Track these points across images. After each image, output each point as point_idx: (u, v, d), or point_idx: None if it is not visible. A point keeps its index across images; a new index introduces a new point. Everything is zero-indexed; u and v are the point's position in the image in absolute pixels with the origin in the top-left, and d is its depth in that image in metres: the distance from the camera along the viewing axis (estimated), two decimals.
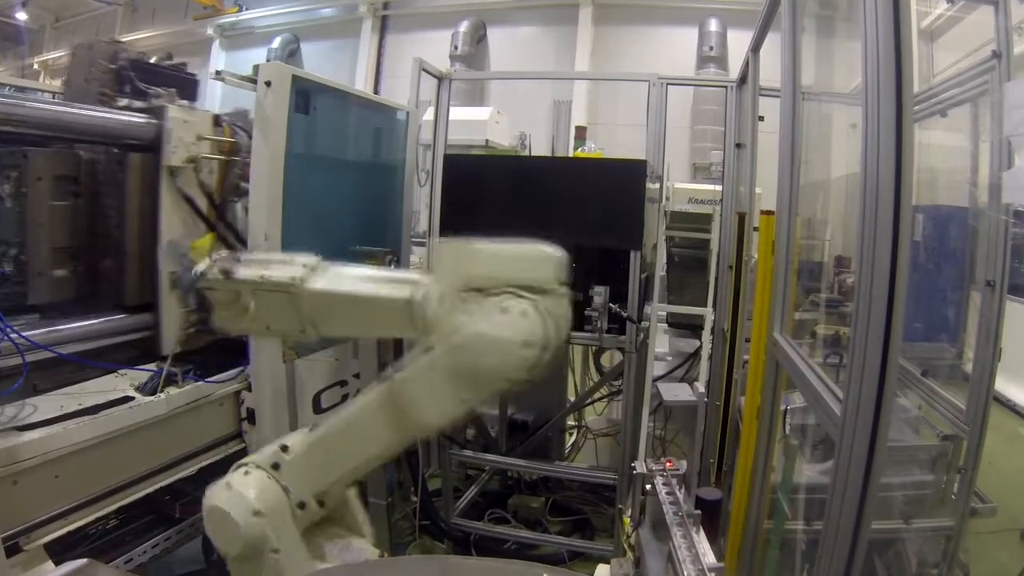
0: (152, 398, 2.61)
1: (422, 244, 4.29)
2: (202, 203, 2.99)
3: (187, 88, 3.26)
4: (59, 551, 2.24)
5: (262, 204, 2.81)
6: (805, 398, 2.27)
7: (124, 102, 2.95)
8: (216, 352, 3.05)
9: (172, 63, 3.59)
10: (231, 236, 3.15)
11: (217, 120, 3.09)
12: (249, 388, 2.99)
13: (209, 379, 2.86)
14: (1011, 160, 2.63)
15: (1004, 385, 3.83)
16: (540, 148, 6.11)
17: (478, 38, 10.64)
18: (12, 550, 2.08)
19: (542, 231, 3.78)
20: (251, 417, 2.99)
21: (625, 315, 3.59)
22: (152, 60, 3.45)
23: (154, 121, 2.84)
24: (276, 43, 11.84)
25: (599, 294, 3.62)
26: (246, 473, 1.73)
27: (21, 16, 13.59)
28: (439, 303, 1.56)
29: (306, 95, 3.03)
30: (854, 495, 1.54)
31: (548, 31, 10.50)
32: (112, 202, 2.83)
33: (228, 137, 3.09)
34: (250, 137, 3.14)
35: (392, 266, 3.21)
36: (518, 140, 5.49)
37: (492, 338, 1.50)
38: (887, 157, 1.42)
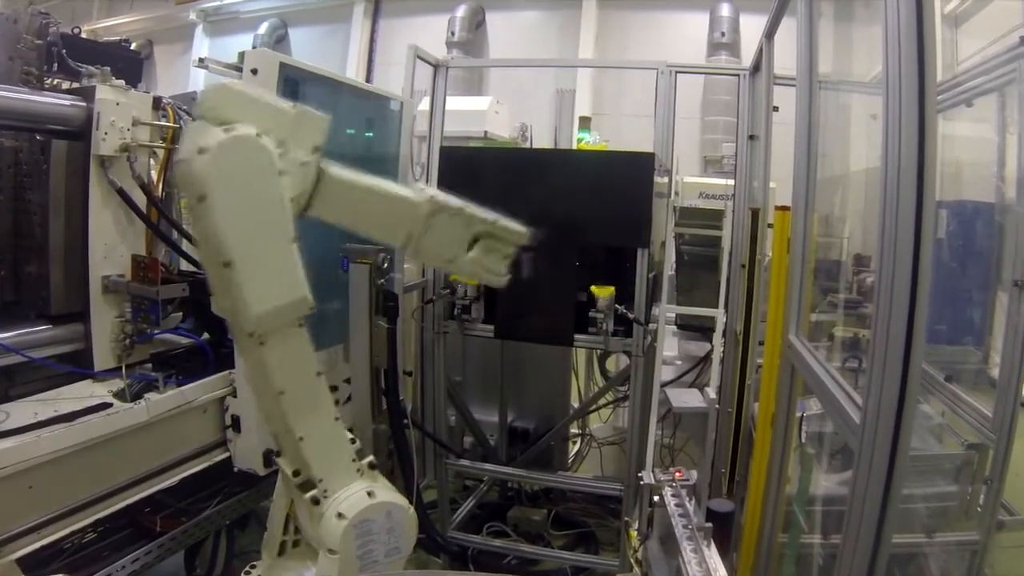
0: (132, 405, 2.60)
1: None
2: (139, 198, 2.88)
3: (129, 68, 3.11)
4: (32, 566, 2.24)
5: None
6: (822, 404, 2.27)
7: (56, 82, 2.83)
8: (198, 356, 3.05)
9: (114, 40, 3.44)
10: (176, 234, 3.11)
11: (158, 103, 2.94)
12: (234, 394, 2.99)
13: (192, 384, 2.85)
14: None
15: None
16: (542, 140, 6.11)
17: (476, 23, 10.63)
18: None
19: (544, 228, 3.80)
20: (236, 424, 2.99)
21: (632, 317, 3.59)
22: (83, 34, 3.23)
23: (82, 104, 2.68)
24: (263, 29, 11.84)
25: (604, 296, 3.63)
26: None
27: None
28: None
29: (294, 84, 3.02)
30: (874, 507, 1.54)
31: (550, 16, 10.50)
32: (35, 197, 2.68)
33: (171, 122, 2.96)
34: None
35: (385, 266, 3.20)
36: (518, 131, 5.49)
37: None
38: (909, 150, 1.42)
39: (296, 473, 2.00)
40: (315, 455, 1.97)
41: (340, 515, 1.97)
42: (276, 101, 1.82)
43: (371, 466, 2.11)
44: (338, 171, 1.93)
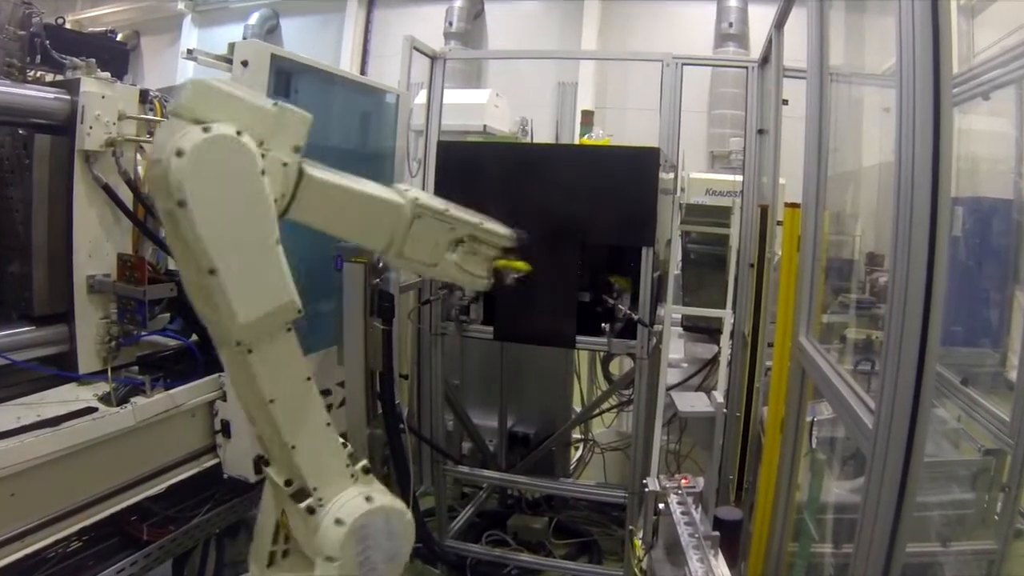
0: (118, 409, 2.60)
1: None
2: (125, 194, 2.87)
3: (115, 60, 3.09)
4: None
5: None
6: (834, 408, 2.27)
7: (39, 75, 2.81)
8: (187, 358, 3.05)
9: (99, 30, 3.43)
10: (163, 232, 3.11)
11: (144, 96, 2.93)
12: (224, 397, 2.99)
13: (180, 388, 2.85)
14: None
15: None
16: (543, 134, 6.10)
17: (475, 14, 10.63)
18: None
19: (545, 225, 3.80)
20: (226, 430, 2.99)
21: (636, 318, 3.60)
22: (67, 25, 3.20)
23: (66, 97, 2.68)
24: (253, 19, 11.82)
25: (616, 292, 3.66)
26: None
27: None
28: None
29: (286, 76, 3.02)
30: (887, 515, 1.54)
31: (552, 6, 10.49)
32: (17, 193, 2.65)
33: (159, 116, 2.96)
34: None
35: (381, 265, 3.20)
36: (519, 125, 5.49)
37: None
38: (923, 144, 1.42)
39: (288, 483, 2.00)
40: (308, 463, 1.97)
41: (339, 521, 1.97)
42: (255, 98, 1.80)
43: (365, 470, 2.11)
44: (319, 172, 1.92)
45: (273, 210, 1.77)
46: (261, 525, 2.22)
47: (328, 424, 2.03)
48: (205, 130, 1.64)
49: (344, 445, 2.11)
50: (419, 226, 2.12)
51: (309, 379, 1.97)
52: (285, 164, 1.81)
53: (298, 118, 1.84)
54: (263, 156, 1.75)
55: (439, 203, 2.17)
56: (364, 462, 2.12)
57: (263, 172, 1.73)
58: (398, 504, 2.12)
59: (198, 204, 1.63)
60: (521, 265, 2.49)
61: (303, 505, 1.97)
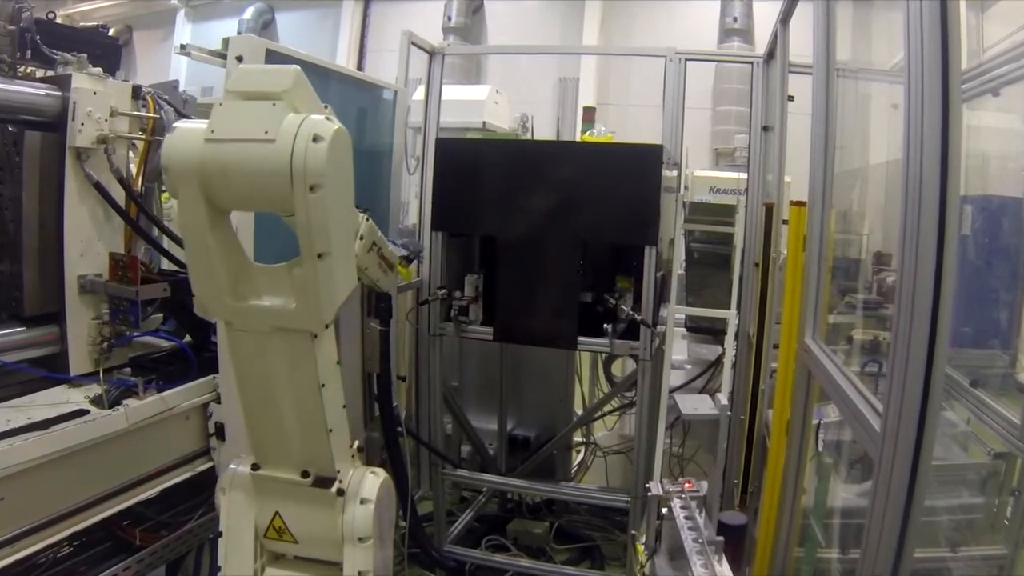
0: (110, 412, 2.60)
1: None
2: (117, 192, 2.88)
3: (107, 55, 3.10)
4: None
5: None
6: (840, 411, 2.27)
7: (29, 70, 2.81)
8: (180, 360, 3.05)
9: (91, 25, 3.44)
10: (157, 231, 3.11)
11: (137, 92, 2.94)
12: (218, 400, 2.99)
13: (173, 390, 2.85)
14: None
15: None
16: (544, 131, 6.11)
17: (474, 8, 10.62)
18: None
19: (546, 224, 3.80)
20: (220, 432, 2.99)
21: (639, 318, 3.60)
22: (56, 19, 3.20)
23: (57, 93, 2.67)
24: (248, 14, 11.82)
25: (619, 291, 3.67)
26: None
27: None
28: None
29: None
30: (895, 520, 1.54)
31: (552, 1, 10.50)
32: (7, 191, 2.65)
33: (151, 113, 2.97)
34: (178, 113, 3.09)
35: None
36: (519, 122, 5.50)
37: None
38: (932, 141, 1.42)
39: (305, 474, 2.04)
40: (338, 445, 2.05)
41: (364, 500, 2.07)
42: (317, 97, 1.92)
43: (360, 449, 2.23)
44: None
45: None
46: (231, 546, 2.19)
47: (344, 406, 2.11)
48: (328, 119, 1.75)
49: None
50: None
51: (339, 362, 2.05)
52: None
53: (337, 121, 1.94)
54: None
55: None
56: (358, 441, 2.22)
57: None
58: (387, 474, 2.24)
59: (331, 188, 1.73)
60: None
61: (334, 488, 2.03)
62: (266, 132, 1.70)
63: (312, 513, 2.09)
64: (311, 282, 1.80)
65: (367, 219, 2.40)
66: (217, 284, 1.87)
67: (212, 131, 1.73)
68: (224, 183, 1.75)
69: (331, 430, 2.00)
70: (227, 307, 1.90)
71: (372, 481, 2.12)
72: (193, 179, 1.75)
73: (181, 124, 1.84)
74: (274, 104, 1.73)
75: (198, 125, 1.78)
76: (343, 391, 2.09)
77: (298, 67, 1.80)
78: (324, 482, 2.05)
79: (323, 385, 1.95)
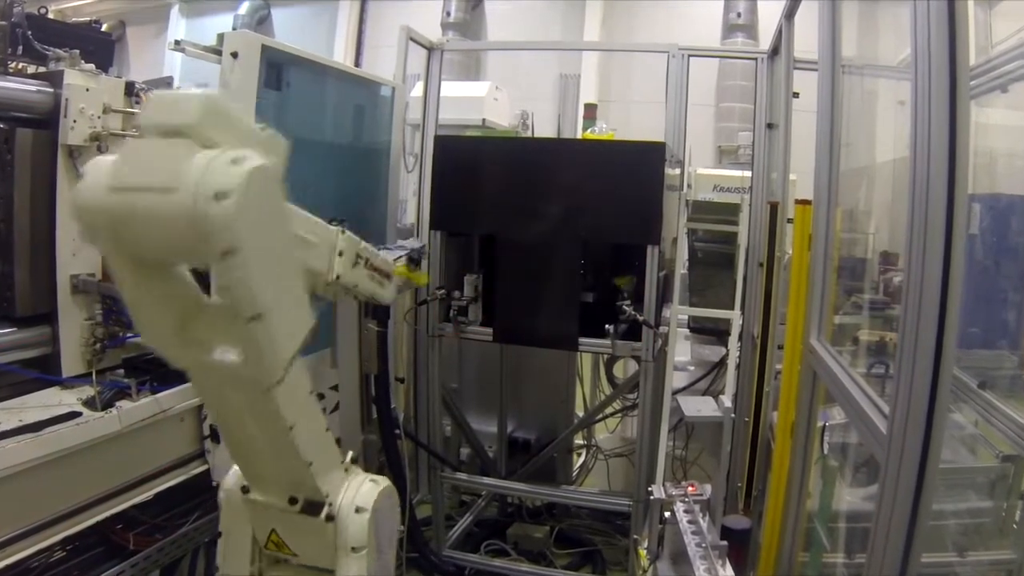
0: (103, 414, 2.60)
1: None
2: None
3: (100, 51, 3.10)
4: None
5: None
6: (846, 413, 2.27)
7: (21, 66, 2.81)
8: None
9: (83, 20, 3.45)
10: None
11: (130, 89, 2.94)
12: None
13: (167, 391, 2.86)
14: None
15: None
16: (544, 129, 6.11)
17: (474, 3, 10.63)
18: None
19: (546, 223, 3.80)
20: (215, 435, 2.99)
21: (641, 319, 3.60)
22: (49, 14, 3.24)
23: (48, 89, 2.67)
24: (243, 9, 11.82)
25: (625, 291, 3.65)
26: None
27: None
28: None
29: (278, 68, 3.03)
30: (901, 524, 1.54)
31: None
32: None
33: None
34: None
35: None
36: (519, 119, 5.50)
37: None
38: (939, 139, 1.43)
39: (293, 500, 2.01)
40: (322, 474, 2.00)
41: (359, 509, 2.04)
42: (250, 120, 1.68)
43: (353, 460, 2.19)
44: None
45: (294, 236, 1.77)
46: (229, 548, 2.20)
47: (328, 429, 2.06)
48: (235, 162, 1.44)
49: (337, 442, 2.16)
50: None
51: (312, 392, 1.97)
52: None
53: (281, 144, 1.69)
54: None
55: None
56: (351, 453, 2.18)
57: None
58: (388, 481, 2.21)
59: (251, 250, 1.46)
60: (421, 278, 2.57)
61: (323, 515, 1.99)
62: (168, 179, 1.41)
63: (307, 533, 2.07)
64: (248, 346, 1.59)
65: (342, 231, 2.20)
66: (160, 335, 1.69)
67: (115, 177, 1.46)
68: (133, 238, 1.49)
69: (311, 463, 1.93)
70: (174, 356, 1.74)
71: (370, 489, 2.09)
72: (101, 232, 1.50)
73: (94, 163, 1.56)
74: (179, 142, 1.45)
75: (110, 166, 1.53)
76: (323, 417, 2.03)
77: (210, 92, 1.58)
78: (313, 508, 2.00)
79: (292, 427, 1.82)
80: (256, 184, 1.45)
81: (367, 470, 2.24)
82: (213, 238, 1.40)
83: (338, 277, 2.21)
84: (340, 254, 2.20)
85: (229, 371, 1.67)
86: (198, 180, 1.39)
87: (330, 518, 2.00)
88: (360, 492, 2.07)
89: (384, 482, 2.16)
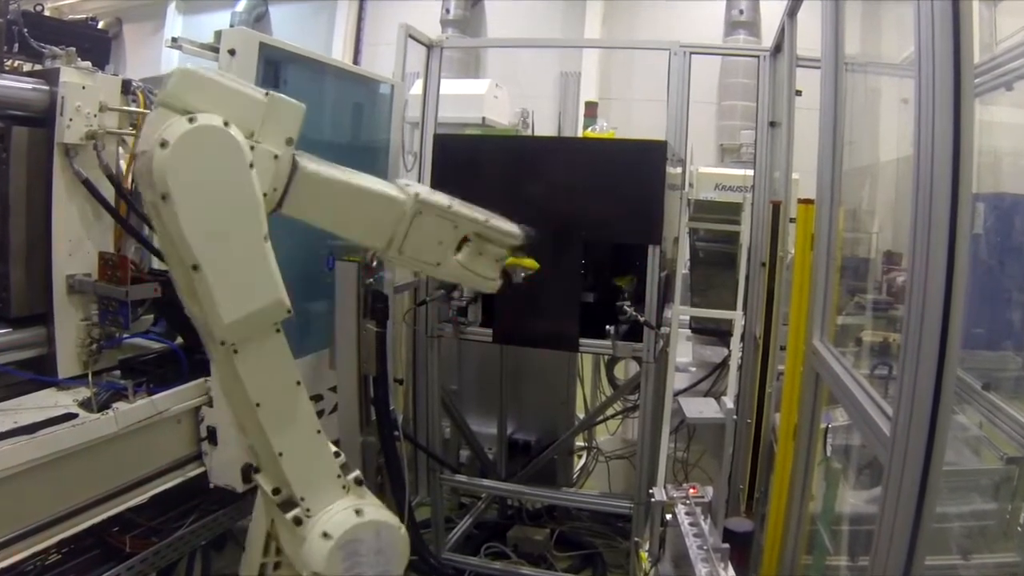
0: (99, 415, 2.60)
1: None
2: (107, 189, 2.87)
3: (96, 49, 3.10)
4: None
5: None
6: (849, 415, 2.27)
7: (16, 64, 2.82)
8: (171, 362, 3.05)
9: (80, 18, 3.45)
10: (147, 230, 3.11)
11: (127, 87, 2.95)
12: (210, 403, 2.99)
13: (164, 393, 2.86)
14: None
15: None
16: (545, 127, 6.11)
17: (473, 1, 10.63)
18: None
19: (547, 222, 3.78)
20: (212, 437, 2.99)
21: (642, 319, 3.60)
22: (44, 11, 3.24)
23: (44, 87, 2.68)
24: (241, 6, 11.81)
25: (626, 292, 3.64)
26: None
27: None
28: None
29: (275, 65, 3.03)
30: (905, 526, 1.54)
31: None
32: None
33: (142, 108, 2.97)
34: None
35: (375, 264, 3.20)
36: (519, 118, 5.50)
37: None
38: (943, 137, 1.42)
39: (276, 491, 2.00)
40: (295, 471, 1.97)
41: (326, 535, 1.95)
42: (245, 87, 1.81)
43: (357, 482, 2.10)
44: (315, 165, 1.93)
45: (261, 205, 1.77)
46: (252, 536, 2.23)
47: (319, 432, 2.03)
48: (191, 120, 1.65)
49: (337, 455, 2.10)
50: (421, 223, 2.11)
51: (299, 383, 1.97)
52: (276, 156, 1.81)
53: (291, 108, 1.85)
54: (252, 148, 1.75)
55: (443, 199, 2.16)
56: (357, 473, 2.11)
57: (251, 165, 1.73)
58: (391, 519, 2.11)
59: (182, 197, 1.65)
60: (530, 263, 2.45)
61: (290, 516, 1.97)
62: (144, 142, 1.72)
63: (289, 533, 2.04)
64: (200, 297, 1.76)
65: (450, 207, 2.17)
66: (180, 291, 1.87)
67: (139, 145, 1.79)
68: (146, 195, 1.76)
69: (281, 454, 1.92)
70: (187, 311, 1.91)
71: (344, 518, 1.99)
72: (146, 193, 1.76)
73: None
74: (162, 110, 1.69)
75: None
76: (313, 416, 2.02)
77: (188, 67, 1.77)
78: (286, 505, 1.98)
79: (257, 405, 1.87)
80: (201, 139, 1.66)
81: (365, 472, 2.22)
82: (155, 182, 1.64)
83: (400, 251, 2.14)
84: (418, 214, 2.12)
85: (201, 324, 1.84)
86: (158, 135, 1.63)
87: (298, 521, 1.97)
88: (335, 518, 1.98)
89: (371, 516, 2.04)
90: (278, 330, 1.88)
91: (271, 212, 1.84)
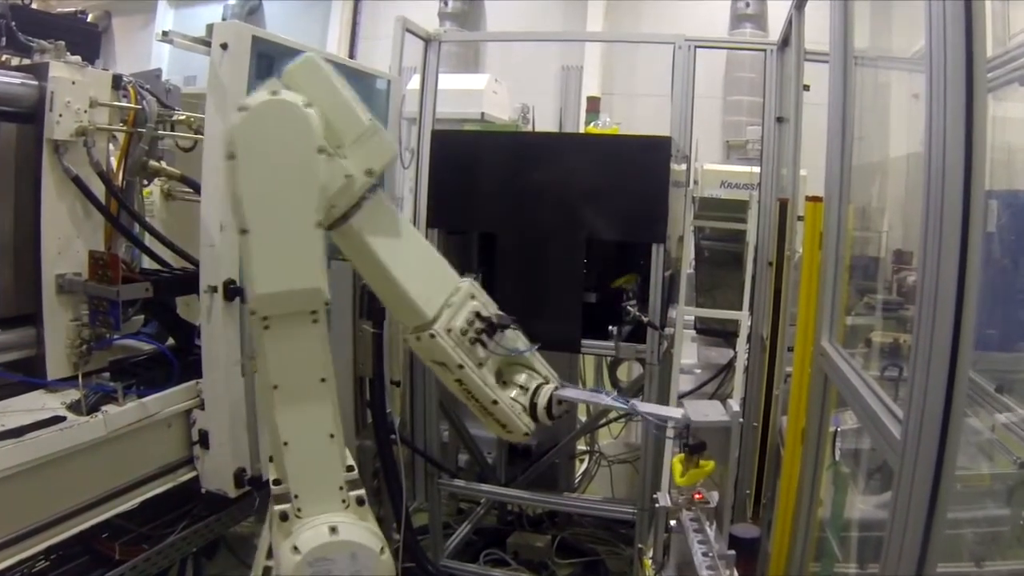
0: (88, 418, 2.60)
1: None
2: (97, 187, 2.88)
3: (86, 43, 3.14)
4: None
5: (218, 190, 2.79)
6: (859, 418, 2.27)
7: (4, 59, 2.83)
8: (162, 364, 3.05)
9: (69, 11, 3.45)
10: (138, 228, 3.11)
11: (117, 82, 2.96)
12: (202, 406, 2.99)
13: (155, 395, 2.86)
14: None
15: None
16: (546, 123, 6.11)
17: None
18: None
19: (548, 220, 3.79)
20: (204, 440, 2.99)
21: (646, 320, 3.59)
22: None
23: (33, 82, 2.68)
24: None
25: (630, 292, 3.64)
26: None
27: None
28: None
29: (269, 60, 3.02)
30: (916, 533, 1.54)
31: None
32: None
33: (133, 103, 2.98)
34: (161, 103, 3.09)
35: None
36: (520, 113, 5.50)
37: None
38: (955, 133, 1.42)
39: (277, 482, 2.00)
40: (296, 466, 1.96)
41: (295, 549, 1.90)
42: (356, 102, 1.88)
43: (359, 501, 2.03)
44: (373, 221, 1.92)
45: (319, 193, 1.80)
46: (261, 537, 2.22)
47: (332, 436, 1.99)
48: (274, 93, 1.76)
49: (350, 469, 2.05)
50: (433, 345, 2.08)
51: (324, 380, 1.95)
52: (348, 176, 1.82)
53: (384, 145, 1.91)
54: (330, 157, 1.79)
55: (453, 354, 2.15)
56: (362, 492, 2.05)
57: (321, 151, 1.78)
58: (372, 541, 1.99)
59: (245, 159, 1.76)
60: None
61: (278, 508, 1.95)
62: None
63: (275, 526, 2.03)
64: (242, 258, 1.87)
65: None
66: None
67: None
68: None
69: (286, 443, 1.92)
70: None
71: (316, 535, 1.91)
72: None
73: None
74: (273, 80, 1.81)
75: None
76: (334, 420, 2.00)
77: (312, 55, 1.88)
78: (282, 497, 1.97)
79: (275, 386, 1.89)
80: (278, 110, 1.76)
81: (361, 477, 2.20)
82: (226, 140, 1.79)
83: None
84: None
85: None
86: (245, 102, 1.77)
87: (284, 517, 1.95)
88: (307, 532, 1.92)
89: (346, 536, 1.94)
90: (315, 321, 1.89)
91: (328, 228, 1.86)
